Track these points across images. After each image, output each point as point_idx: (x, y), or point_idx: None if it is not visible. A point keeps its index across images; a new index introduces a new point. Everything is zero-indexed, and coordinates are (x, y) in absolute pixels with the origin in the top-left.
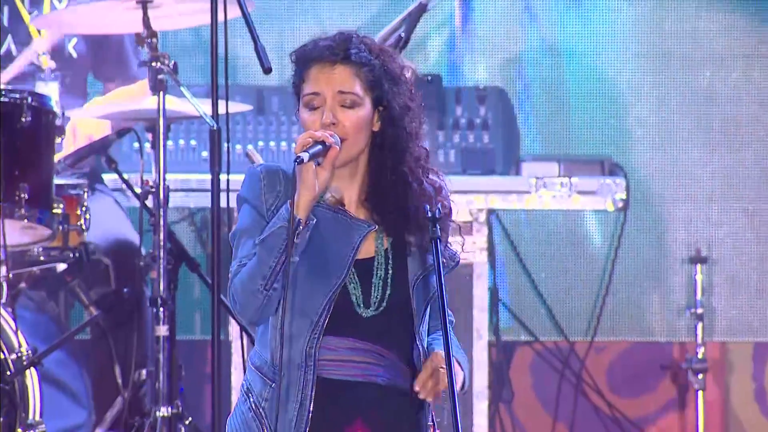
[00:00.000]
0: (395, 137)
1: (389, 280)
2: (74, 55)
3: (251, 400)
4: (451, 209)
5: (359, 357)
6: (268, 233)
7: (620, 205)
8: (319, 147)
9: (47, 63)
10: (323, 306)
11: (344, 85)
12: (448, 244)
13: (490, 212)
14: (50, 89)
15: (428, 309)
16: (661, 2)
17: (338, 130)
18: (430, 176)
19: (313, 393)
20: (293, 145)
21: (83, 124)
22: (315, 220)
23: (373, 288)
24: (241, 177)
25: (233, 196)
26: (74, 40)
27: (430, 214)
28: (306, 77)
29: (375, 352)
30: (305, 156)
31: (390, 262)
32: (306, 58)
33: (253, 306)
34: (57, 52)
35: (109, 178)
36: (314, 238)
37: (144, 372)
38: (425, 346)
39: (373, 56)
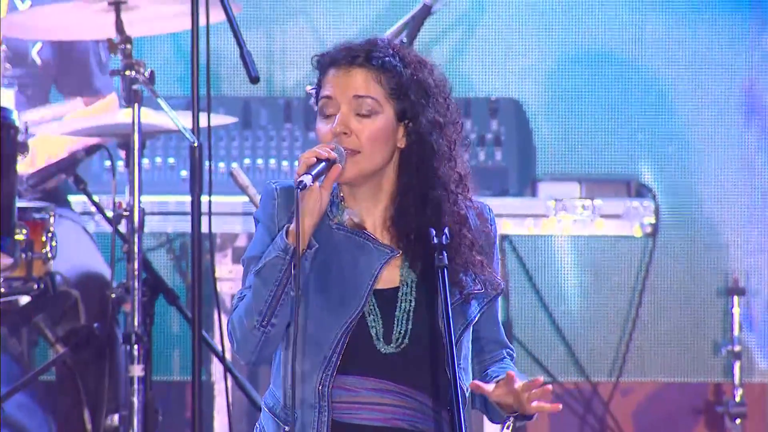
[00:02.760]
0: (420, 156)
1: (412, 314)
2: (38, 61)
3: None
4: (494, 234)
5: (380, 398)
6: (263, 264)
7: (648, 230)
8: (323, 165)
9: None
10: (337, 340)
11: (360, 89)
12: (492, 270)
13: (504, 238)
14: (3, 97)
15: (465, 342)
16: (694, 6)
17: (350, 142)
18: (459, 203)
19: None
20: (284, 162)
21: (42, 144)
22: (317, 246)
23: (395, 322)
24: (224, 199)
25: (216, 220)
26: (39, 45)
27: (435, 240)
28: (323, 82)
29: (400, 393)
30: (307, 179)
31: (414, 293)
32: (324, 62)
33: (250, 344)
34: (19, 57)
35: (77, 200)
36: (331, 263)
37: (116, 417)
38: (465, 386)
39: (401, 64)
